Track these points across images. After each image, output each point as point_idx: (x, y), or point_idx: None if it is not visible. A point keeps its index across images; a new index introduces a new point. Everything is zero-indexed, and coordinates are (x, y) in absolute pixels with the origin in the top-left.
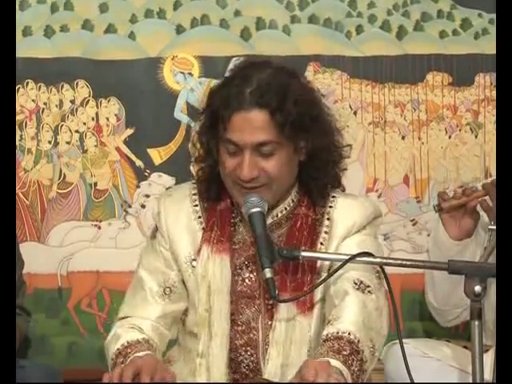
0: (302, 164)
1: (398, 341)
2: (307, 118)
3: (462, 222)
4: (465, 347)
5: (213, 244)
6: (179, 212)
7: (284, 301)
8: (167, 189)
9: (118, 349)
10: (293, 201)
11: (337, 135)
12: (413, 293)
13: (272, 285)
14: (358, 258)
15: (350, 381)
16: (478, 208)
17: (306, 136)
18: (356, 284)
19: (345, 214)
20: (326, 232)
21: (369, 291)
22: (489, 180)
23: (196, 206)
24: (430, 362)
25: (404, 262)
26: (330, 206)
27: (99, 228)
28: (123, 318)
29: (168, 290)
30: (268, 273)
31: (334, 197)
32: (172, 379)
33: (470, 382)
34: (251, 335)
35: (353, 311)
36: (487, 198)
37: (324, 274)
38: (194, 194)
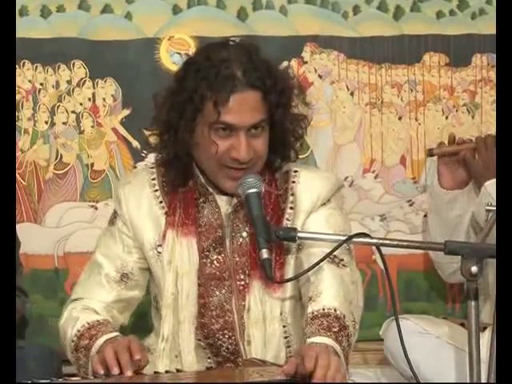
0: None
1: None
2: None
3: (455, 173)
4: (462, 324)
5: (177, 228)
6: (140, 198)
7: (281, 281)
8: None
9: (78, 330)
10: None
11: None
12: (409, 273)
13: (268, 266)
14: (354, 239)
15: (342, 357)
16: None
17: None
18: (330, 258)
19: (308, 187)
20: (291, 208)
21: (343, 265)
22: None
23: (156, 190)
24: (429, 339)
25: (400, 243)
26: (293, 182)
27: (96, 209)
28: (76, 300)
29: (125, 276)
30: (265, 253)
31: (296, 171)
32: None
33: (467, 362)
34: (227, 318)
35: (332, 286)
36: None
37: (294, 250)
38: (153, 179)
